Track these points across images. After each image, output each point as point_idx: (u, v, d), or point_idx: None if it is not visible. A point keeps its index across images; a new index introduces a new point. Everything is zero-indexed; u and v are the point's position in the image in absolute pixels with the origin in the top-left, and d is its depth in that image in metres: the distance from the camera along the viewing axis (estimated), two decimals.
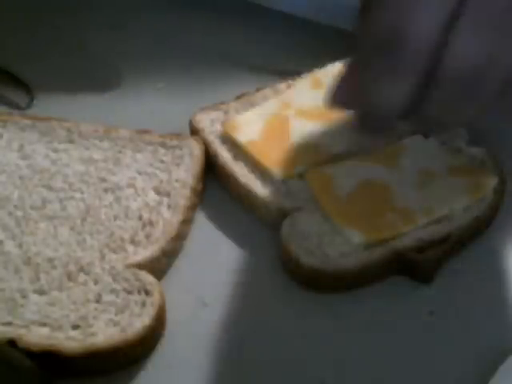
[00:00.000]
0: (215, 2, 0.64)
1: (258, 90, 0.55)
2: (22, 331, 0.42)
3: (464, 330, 0.45)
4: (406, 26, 0.36)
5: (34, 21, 0.62)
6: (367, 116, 0.40)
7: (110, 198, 0.48)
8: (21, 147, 0.51)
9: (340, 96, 0.40)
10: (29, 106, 0.56)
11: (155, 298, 0.43)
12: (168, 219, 0.47)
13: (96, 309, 0.43)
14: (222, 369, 0.43)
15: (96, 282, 0.44)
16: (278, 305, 0.46)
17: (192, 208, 0.49)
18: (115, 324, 0.42)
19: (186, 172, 0.50)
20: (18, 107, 0.56)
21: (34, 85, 0.57)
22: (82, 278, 0.44)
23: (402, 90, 0.37)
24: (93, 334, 0.42)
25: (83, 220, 0.47)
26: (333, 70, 0.56)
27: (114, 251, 0.46)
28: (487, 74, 0.36)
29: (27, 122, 0.52)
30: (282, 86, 0.55)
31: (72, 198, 0.48)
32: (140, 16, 0.63)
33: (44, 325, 0.42)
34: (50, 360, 0.41)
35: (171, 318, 0.45)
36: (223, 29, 0.62)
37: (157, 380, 0.43)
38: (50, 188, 0.49)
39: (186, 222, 0.48)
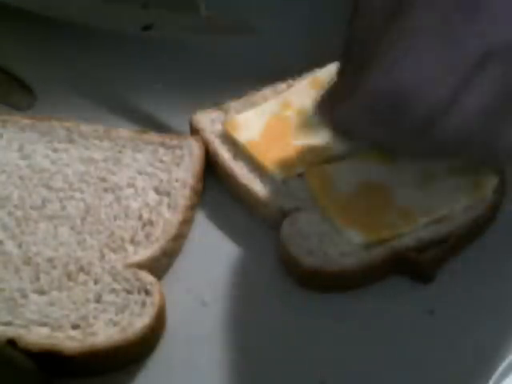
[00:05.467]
0: (215, 2, 0.64)
1: (258, 90, 0.55)
2: (22, 331, 0.42)
3: (464, 329, 0.45)
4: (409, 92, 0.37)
5: (34, 22, 0.62)
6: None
7: (109, 197, 0.48)
8: (21, 147, 0.51)
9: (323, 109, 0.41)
10: (29, 106, 0.56)
11: (155, 298, 0.43)
12: (168, 219, 0.47)
13: (96, 309, 0.43)
14: (222, 369, 0.43)
15: (96, 282, 0.44)
16: (278, 305, 0.46)
17: (192, 208, 0.49)
18: (115, 324, 0.42)
19: (185, 172, 0.50)
20: (18, 107, 0.56)
21: (34, 85, 0.57)
22: (81, 277, 0.44)
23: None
24: (93, 334, 0.42)
25: (83, 220, 0.47)
26: (333, 70, 0.56)
27: (114, 251, 0.46)
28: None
29: (27, 122, 0.52)
30: (282, 86, 0.55)
31: (72, 197, 0.48)
32: (139, 16, 0.63)
33: (44, 325, 0.42)
34: (49, 360, 0.41)
35: (171, 317, 0.45)
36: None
37: (157, 380, 0.43)
38: (49, 188, 0.49)
39: (186, 222, 0.48)
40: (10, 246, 0.46)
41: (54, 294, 0.44)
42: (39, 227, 0.47)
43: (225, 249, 0.49)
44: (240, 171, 0.50)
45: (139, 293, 0.44)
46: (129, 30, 0.57)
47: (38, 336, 0.42)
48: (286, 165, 0.50)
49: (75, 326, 0.42)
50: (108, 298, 0.44)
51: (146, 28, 0.56)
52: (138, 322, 0.42)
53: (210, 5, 0.57)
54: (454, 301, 0.46)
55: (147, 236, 0.46)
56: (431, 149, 0.41)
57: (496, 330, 0.45)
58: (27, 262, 0.45)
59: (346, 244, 0.46)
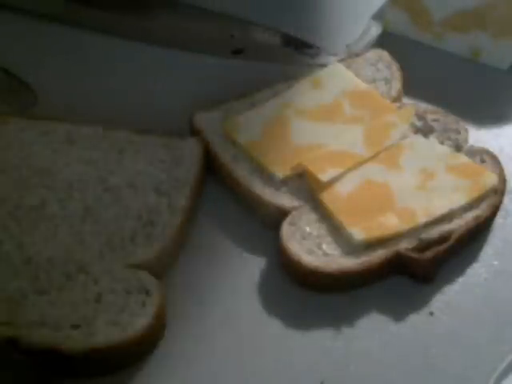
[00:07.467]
0: (216, 2, 0.64)
1: (258, 90, 0.55)
2: (22, 331, 0.42)
3: (464, 330, 0.45)
4: None
5: (34, 22, 0.62)
6: None
7: (109, 197, 0.48)
8: (21, 147, 0.51)
9: None
10: (30, 106, 0.56)
11: (155, 298, 0.43)
12: (168, 219, 0.47)
13: (96, 309, 0.43)
14: (222, 369, 0.43)
15: (96, 282, 0.44)
16: (278, 305, 0.46)
17: (192, 208, 0.49)
18: (115, 324, 0.42)
19: (186, 172, 0.50)
20: (20, 108, 0.56)
21: (34, 85, 0.57)
22: (81, 277, 0.44)
23: None
24: (93, 334, 0.42)
25: (83, 220, 0.47)
26: (333, 70, 0.56)
27: (114, 251, 0.46)
28: None
29: (27, 121, 0.52)
30: (282, 86, 0.55)
31: (72, 197, 0.48)
32: (138, 17, 0.63)
33: (44, 325, 0.42)
34: (50, 360, 0.41)
35: (171, 318, 0.45)
36: (224, 28, 0.62)
37: (157, 380, 0.43)
38: (49, 188, 0.49)
39: (186, 222, 0.48)
40: (9, 245, 0.46)
41: (54, 294, 0.44)
42: (39, 227, 0.47)
43: (225, 249, 0.49)
44: (240, 171, 0.50)
45: (139, 293, 0.44)
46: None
47: (38, 336, 0.41)
48: (285, 165, 0.50)
49: (75, 326, 0.42)
50: (108, 298, 0.43)
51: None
52: (138, 322, 0.42)
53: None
54: (454, 301, 0.46)
55: (147, 236, 0.46)
56: None
57: (496, 330, 0.45)
58: (27, 262, 0.45)
59: (346, 244, 0.46)
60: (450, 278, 0.47)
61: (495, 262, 0.48)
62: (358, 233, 0.46)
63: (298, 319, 0.45)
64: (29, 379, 0.40)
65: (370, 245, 0.46)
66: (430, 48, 0.61)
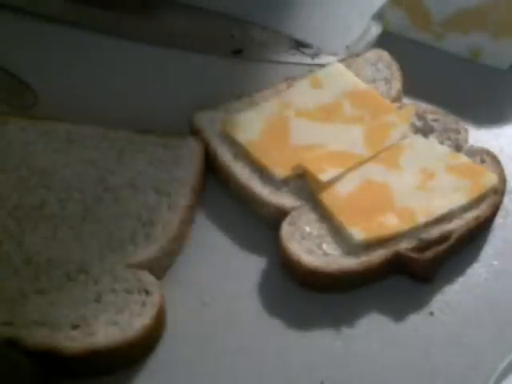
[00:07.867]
0: (216, 2, 0.64)
1: (258, 90, 0.55)
2: (22, 331, 0.42)
3: (464, 330, 0.45)
4: None
5: (34, 22, 0.62)
6: None
7: (109, 197, 0.48)
8: (21, 147, 0.51)
9: None
10: (31, 106, 0.56)
11: (155, 298, 0.43)
12: (168, 219, 0.47)
13: (96, 309, 0.43)
14: (222, 369, 0.43)
15: (96, 282, 0.44)
16: (278, 305, 0.46)
17: (192, 208, 0.49)
18: (115, 324, 0.42)
19: (185, 172, 0.50)
20: (21, 108, 0.56)
21: (34, 85, 0.57)
22: (81, 277, 0.44)
23: None
24: (93, 334, 0.42)
25: (83, 220, 0.47)
26: (333, 70, 0.56)
27: (114, 251, 0.46)
28: None
29: (27, 121, 0.52)
30: (282, 85, 0.55)
31: (72, 197, 0.48)
32: (138, 17, 0.63)
33: (44, 325, 0.42)
34: (50, 360, 0.41)
35: (171, 317, 0.45)
36: (225, 28, 0.62)
37: (157, 380, 0.43)
38: (49, 188, 0.49)
39: (186, 222, 0.48)
40: (9, 246, 0.46)
41: (54, 294, 0.44)
42: (39, 227, 0.47)
43: (225, 249, 0.49)
44: (240, 171, 0.50)
45: (139, 293, 0.44)
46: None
47: (38, 336, 0.41)
48: (285, 165, 0.50)
49: (75, 326, 0.42)
50: (108, 297, 0.43)
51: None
52: (138, 322, 0.42)
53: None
54: (454, 301, 0.46)
55: (147, 236, 0.46)
56: None
57: (496, 330, 0.45)
58: (27, 262, 0.45)
59: (346, 244, 0.46)
60: (450, 278, 0.47)
61: (495, 262, 0.48)
62: (358, 233, 0.46)
63: (298, 319, 0.45)
64: (29, 379, 0.40)
65: (370, 245, 0.46)
66: (430, 48, 0.61)
